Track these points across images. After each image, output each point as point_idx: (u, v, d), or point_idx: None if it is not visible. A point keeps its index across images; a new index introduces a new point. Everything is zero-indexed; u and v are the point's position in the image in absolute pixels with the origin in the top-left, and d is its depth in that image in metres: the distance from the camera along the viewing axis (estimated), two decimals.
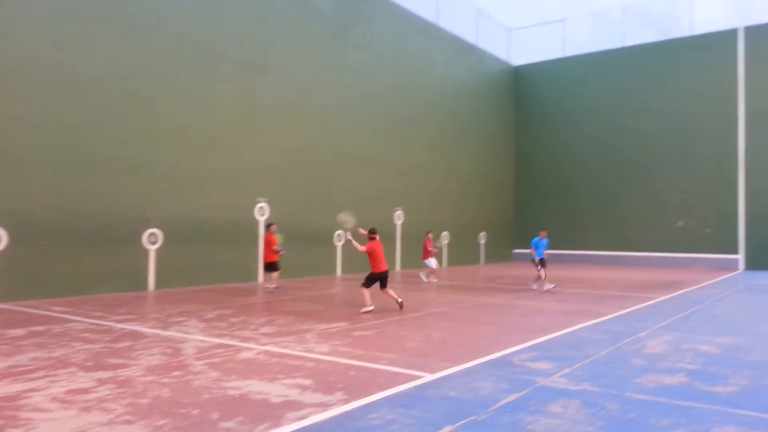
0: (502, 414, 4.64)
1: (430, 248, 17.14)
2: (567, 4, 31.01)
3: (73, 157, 12.52)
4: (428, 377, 5.79)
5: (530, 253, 15.26)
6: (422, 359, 6.66)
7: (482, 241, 27.54)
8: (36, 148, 11.93)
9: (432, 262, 17.24)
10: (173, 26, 14.48)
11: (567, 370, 6.17)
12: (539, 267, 14.99)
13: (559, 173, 29.09)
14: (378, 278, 10.84)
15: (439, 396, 5.15)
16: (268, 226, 14.45)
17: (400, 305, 10.74)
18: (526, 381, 5.69)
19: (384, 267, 10.84)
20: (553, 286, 15.18)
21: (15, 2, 11.73)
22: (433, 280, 17.38)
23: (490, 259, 27.93)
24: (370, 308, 10.55)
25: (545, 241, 15.42)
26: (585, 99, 28.61)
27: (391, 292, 10.93)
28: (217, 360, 6.50)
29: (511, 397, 5.11)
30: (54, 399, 4.97)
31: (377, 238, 11.04)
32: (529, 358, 6.78)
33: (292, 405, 4.85)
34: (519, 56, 31.08)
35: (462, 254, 25.97)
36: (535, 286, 15.31)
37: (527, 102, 30.48)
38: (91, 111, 12.83)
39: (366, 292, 10.69)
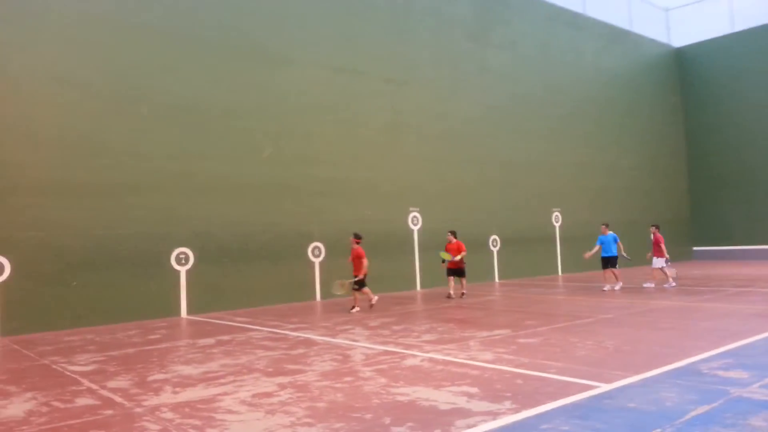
0: (692, 427, 4.20)
1: (662, 245, 14.76)
2: None
3: (240, 183, 13.69)
4: (603, 387, 5.43)
5: None
6: (595, 368, 6.27)
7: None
8: (209, 176, 13.21)
9: (659, 262, 14.86)
10: (316, 54, 15.28)
11: (767, 380, 5.45)
12: None
13: (738, 160, 25.99)
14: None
15: (618, 407, 4.80)
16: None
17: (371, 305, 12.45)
18: (719, 391, 5.10)
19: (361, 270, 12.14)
20: None
21: (139, 34, 13.04)
22: (649, 284, 15.02)
23: None
24: (357, 309, 12.16)
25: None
26: (761, 75, 25.30)
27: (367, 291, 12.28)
28: (383, 366, 6.67)
29: (702, 409, 4.61)
30: (242, 402, 5.42)
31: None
32: (720, 366, 6.09)
33: (460, 412, 4.82)
34: (680, 37, 28.43)
35: (631, 254, 24.17)
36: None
37: (694, 85, 27.71)
38: (245, 140, 13.89)
39: (358, 293, 12.22)
